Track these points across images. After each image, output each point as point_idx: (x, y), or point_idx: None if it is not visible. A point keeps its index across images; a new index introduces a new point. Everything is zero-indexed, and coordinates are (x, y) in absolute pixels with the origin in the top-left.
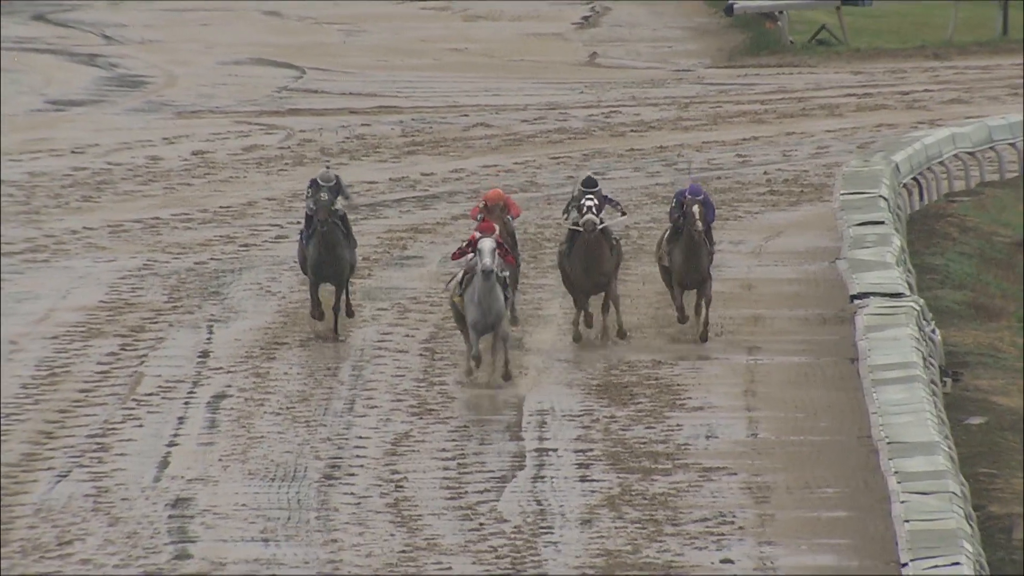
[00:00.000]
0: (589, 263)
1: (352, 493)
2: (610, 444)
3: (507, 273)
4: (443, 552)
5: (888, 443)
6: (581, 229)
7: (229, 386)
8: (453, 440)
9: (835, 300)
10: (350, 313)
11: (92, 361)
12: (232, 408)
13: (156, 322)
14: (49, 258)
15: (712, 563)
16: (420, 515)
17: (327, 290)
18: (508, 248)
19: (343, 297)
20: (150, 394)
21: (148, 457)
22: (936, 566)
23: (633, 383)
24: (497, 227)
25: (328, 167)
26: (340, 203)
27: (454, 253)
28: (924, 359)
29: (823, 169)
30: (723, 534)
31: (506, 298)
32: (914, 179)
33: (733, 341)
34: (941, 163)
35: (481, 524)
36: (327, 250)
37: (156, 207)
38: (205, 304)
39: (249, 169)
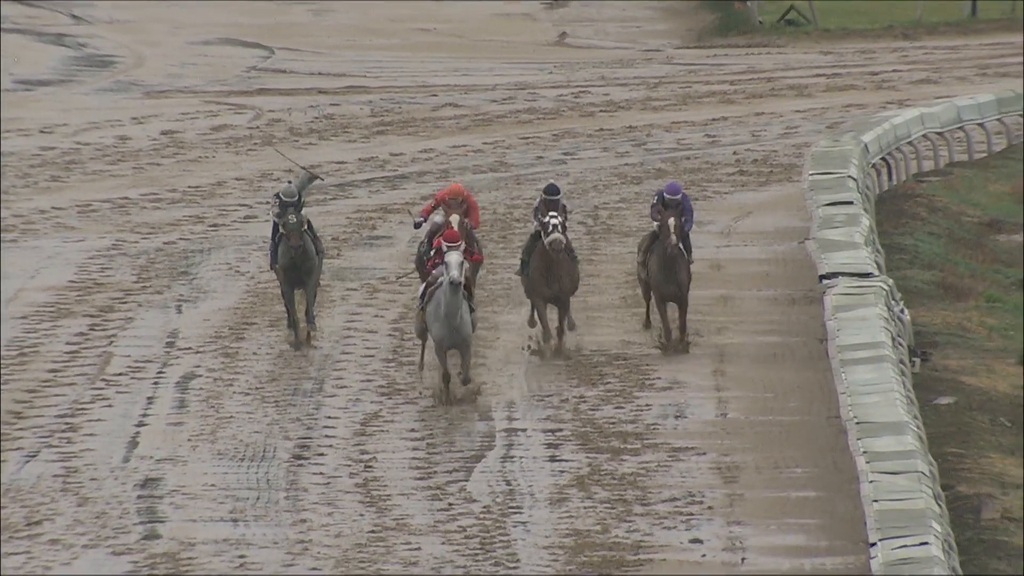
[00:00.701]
0: (550, 276)
1: (321, 473)
2: (579, 424)
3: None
4: (412, 532)
5: (857, 423)
6: (547, 247)
7: (198, 366)
8: (422, 420)
9: (804, 280)
10: (310, 322)
11: (61, 341)
12: (201, 388)
13: (125, 302)
14: (18, 238)
15: (681, 543)
16: (389, 495)
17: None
18: (471, 251)
19: (311, 302)
20: (119, 374)
21: (117, 437)
22: (905, 546)
23: (602, 363)
24: (457, 217)
25: (289, 182)
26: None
27: (426, 265)
28: (893, 339)
29: (792, 149)
30: (692, 514)
31: (471, 309)
32: (883, 159)
33: (702, 321)
34: (910, 143)
35: (450, 504)
36: (298, 261)
37: (125, 187)
38: (174, 284)
39: (218, 149)
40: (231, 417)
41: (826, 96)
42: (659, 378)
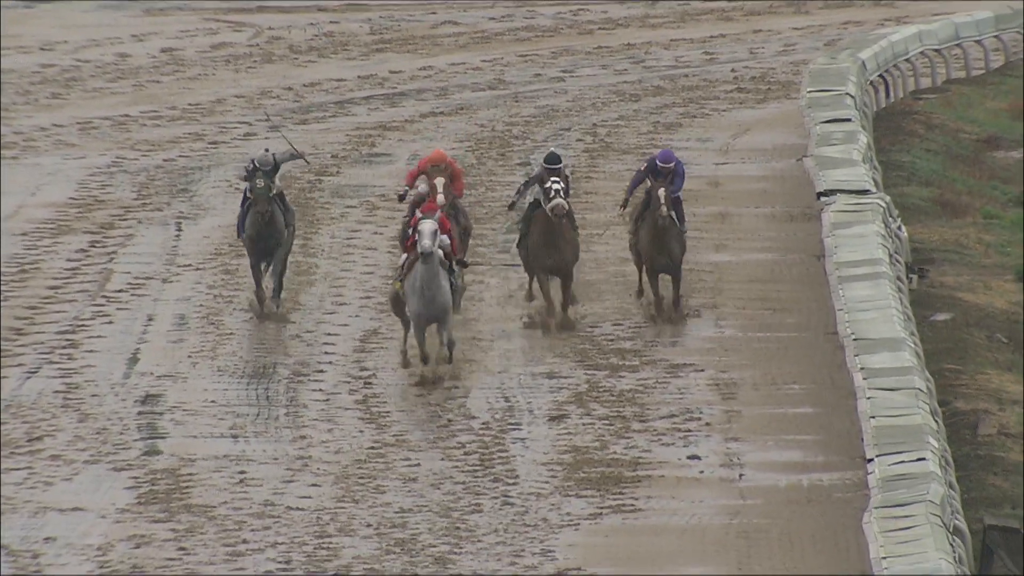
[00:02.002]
0: (550, 244)
1: (321, 390)
2: (578, 341)
3: (454, 263)
4: (411, 448)
5: (854, 339)
6: (549, 212)
7: (198, 283)
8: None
9: (802, 197)
10: (278, 293)
11: (61, 258)
12: (201, 305)
13: (125, 219)
14: (18, 155)
15: (679, 459)
16: (388, 412)
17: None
18: (453, 216)
19: (279, 277)
20: (119, 291)
21: (118, 354)
22: (902, 461)
23: (600, 280)
24: (442, 180)
25: (267, 149)
26: (279, 183)
27: (404, 243)
28: (890, 256)
29: (790, 67)
30: (690, 430)
31: (453, 286)
32: (881, 76)
33: (700, 239)
34: (908, 60)
35: (449, 421)
36: (266, 232)
37: (125, 104)
38: (174, 201)
39: (218, 67)
40: (231, 334)
41: (824, 13)
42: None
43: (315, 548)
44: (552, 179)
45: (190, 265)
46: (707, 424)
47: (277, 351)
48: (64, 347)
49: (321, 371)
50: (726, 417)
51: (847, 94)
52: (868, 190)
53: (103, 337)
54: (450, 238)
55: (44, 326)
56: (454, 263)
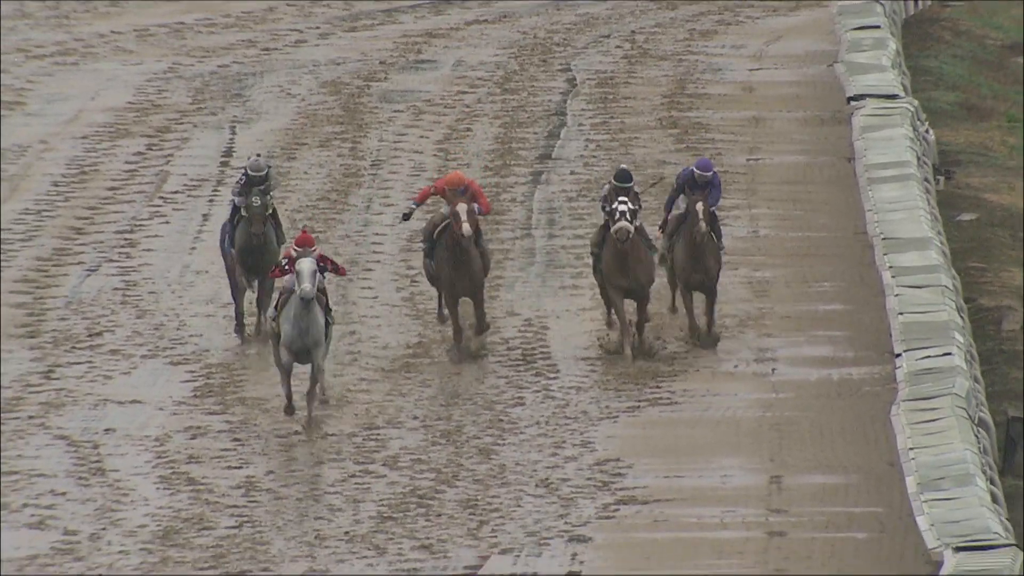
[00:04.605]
0: (622, 266)
1: (369, 288)
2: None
3: (326, 299)
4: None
5: (883, 239)
6: (613, 235)
7: None
8: None
9: (833, 102)
10: (263, 311)
11: (120, 160)
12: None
13: (181, 123)
14: (78, 61)
15: (714, 354)
16: (434, 308)
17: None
18: (333, 262)
19: (268, 295)
20: (176, 192)
21: (174, 252)
22: (928, 356)
23: (639, 182)
24: (464, 206)
25: (259, 155)
26: (272, 196)
27: (272, 270)
28: (918, 158)
29: None
30: (725, 327)
31: (327, 323)
32: None
33: (735, 143)
34: None
35: (493, 318)
36: (257, 249)
37: (180, 12)
38: (228, 106)
39: None
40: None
41: None
42: None
43: (364, 440)
44: (620, 199)
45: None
46: (741, 321)
47: (327, 251)
48: (123, 246)
49: (369, 269)
50: (760, 314)
51: (877, 1)
52: (897, 95)
53: (160, 236)
54: (330, 266)
55: (103, 226)
56: (328, 303)
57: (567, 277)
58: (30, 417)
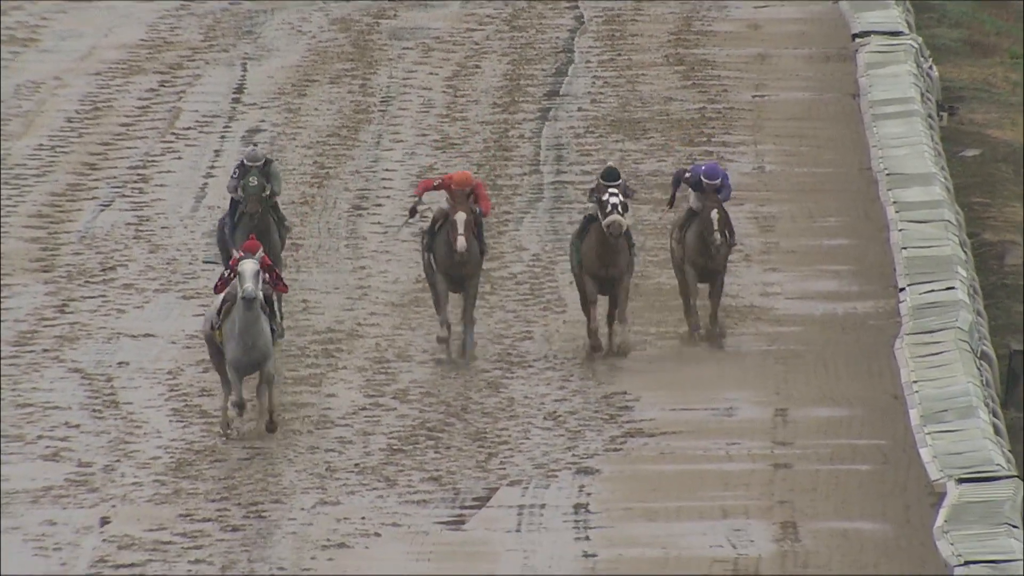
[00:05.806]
0: (604, 254)
1: (379, 223)
2: (624, 176)
3: (274, 301)
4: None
5: (887, 174)
6: (605, 229)
7: (262, 121)
8: (475, 168)
9: (837, 38)
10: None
11: (133, 96)
12: (265, 142)
13: (193, 60)
14: None
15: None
16: None
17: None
18: (278, 272)
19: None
20: (188, 128)
21: (186, 188)
22: (932, 290)
23: (645, 119)
24: (463, 216)
25: (256, 144)
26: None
27: (216, 284)
28: (922, 94)
29: None
30: (730, 261)
31: (273, 331)
32: None
33: (741, 79)
34: None
35: (502, 252)
36: (258, 238)
37: None
38: (239, 43)
39: None
40: (293, 169)
41: None
42: (699, 132)
43: (374, 373)
44: (611, 191)
45: (255, 104)
46: (747, 256)
47: (337, 186)
48: (135, 181)
49: (379, 205)
50: (765, 248)
51: None
52: (901, 31)
53: (172, 172)
54: (274, 278)
55: (116, 161)
56: (276, 307)
57: (575, 212)
58: (44, 350)
